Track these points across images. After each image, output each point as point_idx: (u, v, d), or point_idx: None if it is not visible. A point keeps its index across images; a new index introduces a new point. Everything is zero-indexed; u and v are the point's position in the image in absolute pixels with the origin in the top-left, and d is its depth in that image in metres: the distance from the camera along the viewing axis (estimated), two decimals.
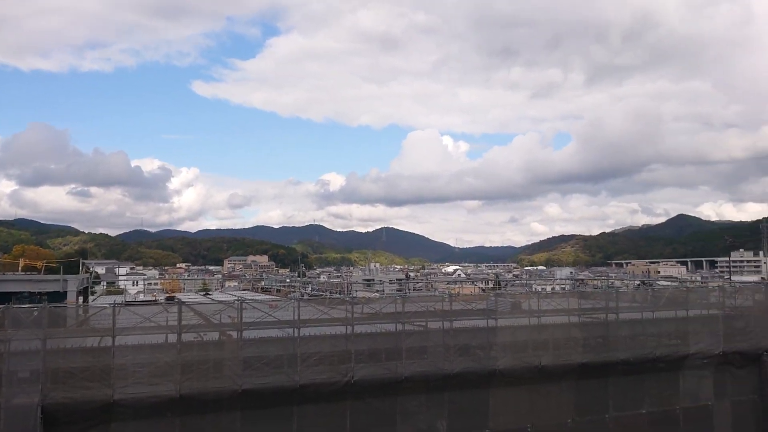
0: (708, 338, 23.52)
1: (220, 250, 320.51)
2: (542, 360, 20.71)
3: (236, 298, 19.49)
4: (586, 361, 21.29)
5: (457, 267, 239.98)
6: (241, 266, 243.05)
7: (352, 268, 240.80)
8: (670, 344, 23.07)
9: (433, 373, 19.35)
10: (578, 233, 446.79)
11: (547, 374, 20.87)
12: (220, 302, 21.16)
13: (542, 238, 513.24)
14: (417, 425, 19.39)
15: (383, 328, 20.32)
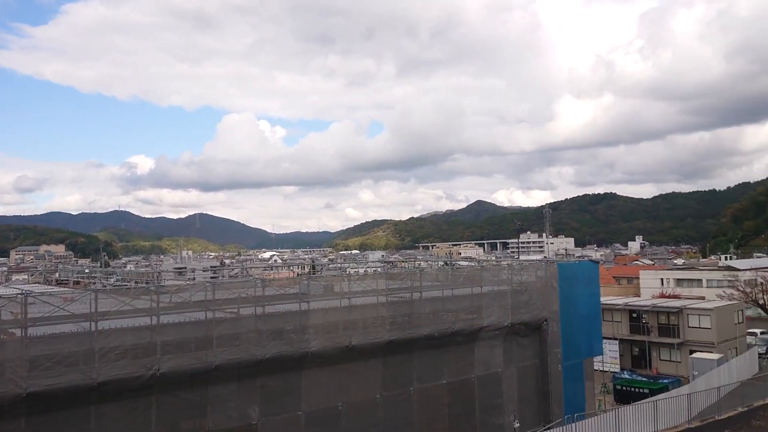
0: (498, 311, 26.10)
1: (5, 240, 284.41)
2: (352, 339, 21.47)
3: (20, 292, 17.44)
4: (392, 338, 22.48)
5: (274, 253, 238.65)
6: (32, 257, 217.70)
7: (162, 257, 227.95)
8: (467, 318, 25.20)
9: (246, 359, 19.13)
10: (390, 218, 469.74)
11: (357, 353, 21.72)
12: None
13: (356, 223, 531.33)
14: (228, 413, 19.08)
15: (194, 317, 19.58)
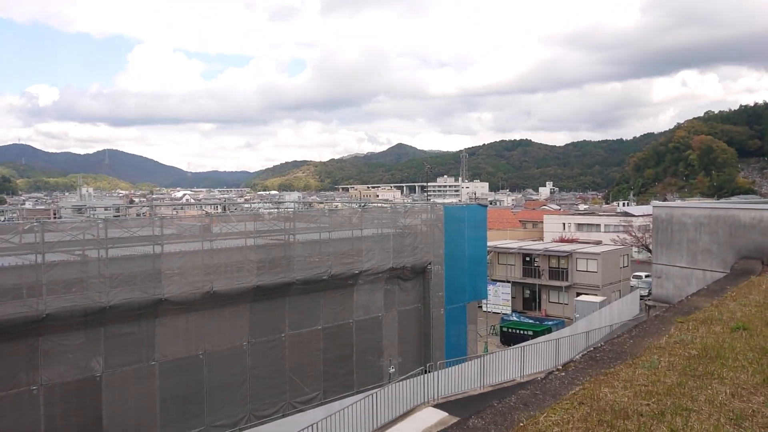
0: (380, 255, 25.25)
1: None
2: (215, 285, 20.01)
3: None
4: (261, 283, 21.18)
5: (187, 192, 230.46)
6: None
7: (67, 194, 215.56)
8: (345, 262, 24.18)
9: (87, 306, 17.35)
10: (311, 159, 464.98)
11: (221, 299, 20.33)
12: None
13: (276, 164, 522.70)
14: (66, 366, 17.33)
15: (27, 260, 17.44)
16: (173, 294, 19.06)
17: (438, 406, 18.00)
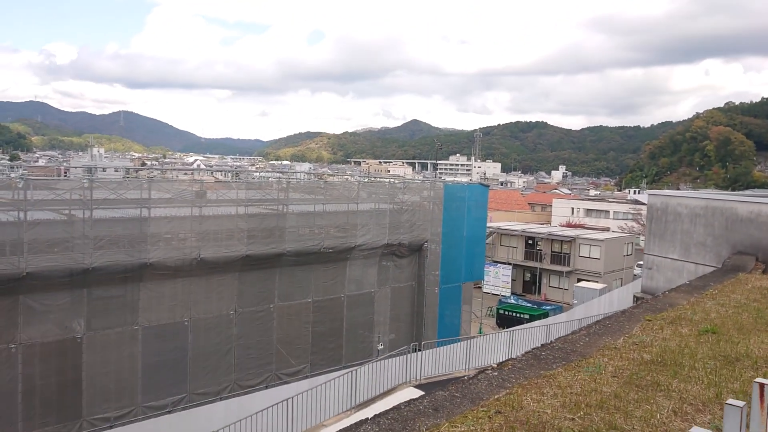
0: (375, 230, 24.83)
1: None
2: (203, 252, 19.70)
3: None
4: (251, 253, 20.86)
5: (198, 158, 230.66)
6: None
7: (81, 153, 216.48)
8: (339, 236, 23.81)
9: (71, 267, 17.13)
10: (324, 131, 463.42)
11: (208, 266, 20.03)
12: None
13: (290, 134, 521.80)
14: (47, 326, 17.16)
15: (11, 216, 17.17)
16: (159, 259, 18.78)
17: (420, 386, 17.72)
